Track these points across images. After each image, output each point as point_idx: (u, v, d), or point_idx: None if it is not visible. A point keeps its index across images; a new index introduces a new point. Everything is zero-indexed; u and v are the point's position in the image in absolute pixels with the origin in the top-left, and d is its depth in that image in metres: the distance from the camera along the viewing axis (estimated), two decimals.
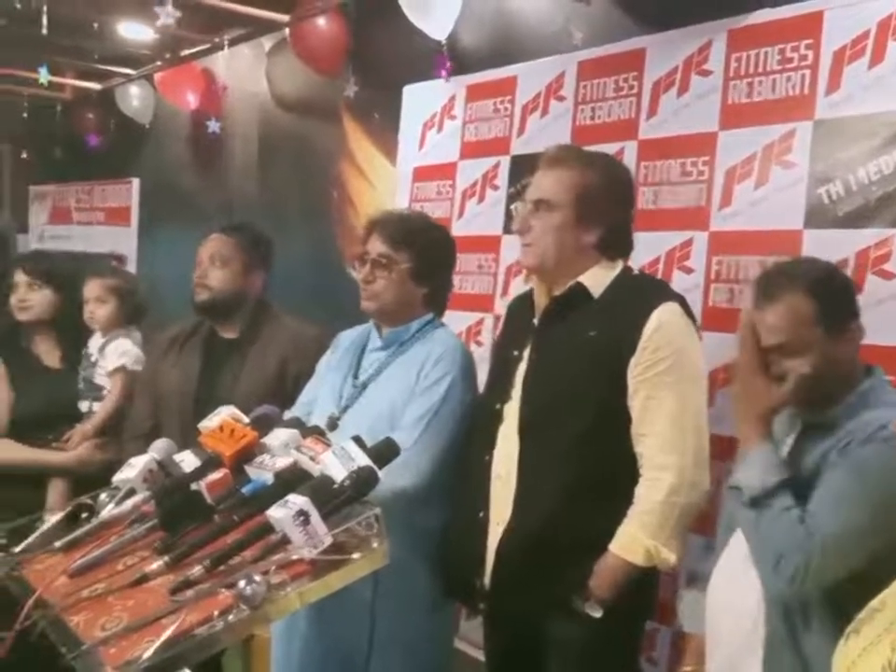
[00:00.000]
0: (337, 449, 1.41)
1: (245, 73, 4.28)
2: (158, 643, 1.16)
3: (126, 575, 1.35)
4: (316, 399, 2.19)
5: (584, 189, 1.90)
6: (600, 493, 1.83)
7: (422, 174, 3.25)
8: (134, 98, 4.88)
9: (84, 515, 1.55)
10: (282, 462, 1.45)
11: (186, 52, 4.44)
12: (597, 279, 1.91)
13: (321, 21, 3.55)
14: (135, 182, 5.09)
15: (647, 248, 2.32)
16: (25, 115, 5.31)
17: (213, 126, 4.42)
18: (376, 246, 2.11)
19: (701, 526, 1.94)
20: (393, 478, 1.65)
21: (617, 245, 1.95)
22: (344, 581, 1.31)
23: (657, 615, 2.13)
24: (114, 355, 2.77)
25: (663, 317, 1.83)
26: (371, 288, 2.10)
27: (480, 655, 2.22)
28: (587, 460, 1.84)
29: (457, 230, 2.97)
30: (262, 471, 1.47)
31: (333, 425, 2.03)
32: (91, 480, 1.88)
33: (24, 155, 5.85)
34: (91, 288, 2.83)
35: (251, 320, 2.57)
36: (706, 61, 2.39)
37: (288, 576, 1.28)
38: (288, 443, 1.51)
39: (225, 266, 2.53)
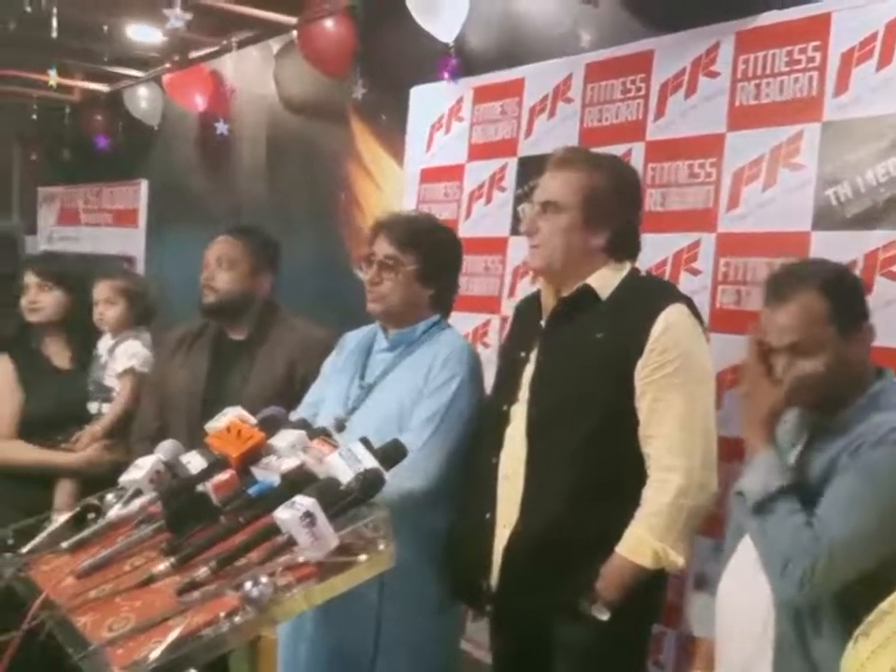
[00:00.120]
0: (344, 451, 1.41)
1: (254, 75, 4.29)
2: (165, 644, 1.16)
3: (133, 576, 1.35)
4: (322, 399, 2.19)
5: (592, 191, 1.89)
6: (607, 495, 1.83)
7: (429, 175, 3.25)
8: (143, 100, 4.90)
9: (91, 516, 1.55)
10: (289, 463, 1.45)
11: (194, 54, 4.45)
12: (605, 281, 1.91)
13: (329, 24, 3.56)
14: (143, 184, 5.11)
15: (654, 250, 2.32)
16: (34, 117, 5.34)
17: (221, 128, 4.43)
18: (383, 248, 2.11)
19: (709, 528, 1.93)
20: (400, 480, 1.65)
21: (624, 247, 1.95)
22: (351, 583, 1.31)
23: (664, 618, 2.12)
24: (123, 356, 2.78)
25: (670, 319, 1.82)
26: (378, 290, 2.10)
27: (486, 657, 2.21)
28: (594, 462, 1.83)
29: (464, 231, 2.97)
30: (269, 473, 1.47)
31: (340, 426, 2.03)
32: (99, 480, 1.89)
33: (33, 157, 5.87)
34: (101, 290, 2.84)
35: (259, 322, 2.57)
36: (713, 62, 2.38)
37: (295, 578, 1.28)
38: (295, 445, 1.50)
39: (232, 268, 2.53)
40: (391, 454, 1.45)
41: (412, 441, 1.76)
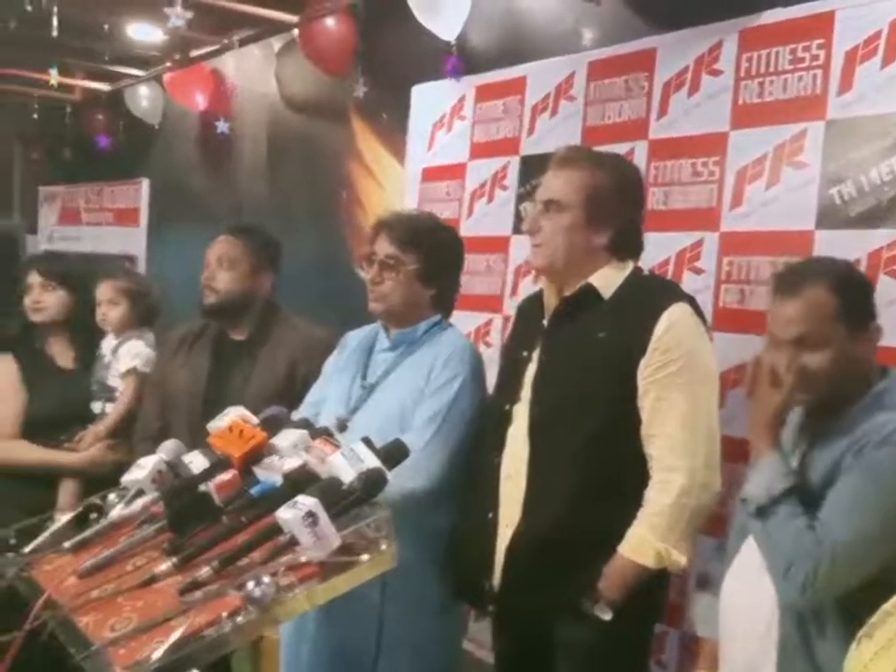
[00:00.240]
0: (346, 450, 1.40)
1: (255, 73, 4.29)
2: (167, 644, 1.16)
3: (135, 576, 1.35)
4: (324, 399, 2.19)
5: (594, 190, 1.89)
6: (609, 494, 1.82)
7: (431, 174, 3.25)
8: (144, 99, 4.89)
9: (93, 516, 1.55)
10: (291, 463, 1.45)
11: (195, 53, 4.45)
12: (607, 280, 1.90)
13: (330, 22, 3.55)
14: (144, 183, 5.11)
15: (657, 249, 2.31)
16: (35, 116, 5.34)
17: (222, 127, 4.43)
18: (384, 247, 2.10)
19: (712, 528, 1.93)
20: (403, 480, 1.65)
21: (627, 246, 1.94)
22: (353, 582, 1.31)
23: (667, 618, 2.12)
24: (126, 356, 2.79)
25: (673, 318, 1.82)
26: (379, 289, 2.10)
27: (488, 657, 2.21)
28: (597, 461, 1.83)
29: (466, 230, 2.96)
30: (271, 472, 1.47)
31: (342, 426, 2.03)
32: (102, 480, 1.88)
33: (34, 156, 5.87)
34: (104, 290, 2.84)
35: (260, 322, 2.57)
36: (716, 60, 2.38)
37: (297, 577, 1.27)
38: (297, 445, 1.50)
39: (232, 268, 2.53)
40: (393, 453, 1.45)
41: (414, 441, 1.75)
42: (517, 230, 2.86)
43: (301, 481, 1.40)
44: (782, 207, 2.21)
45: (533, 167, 2.75)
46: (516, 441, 1.92)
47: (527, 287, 2.69)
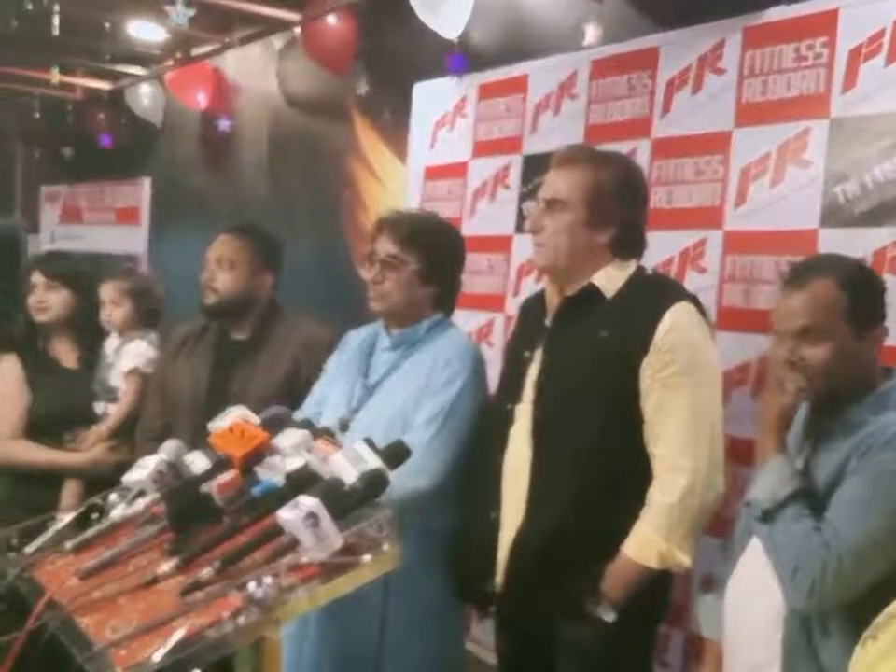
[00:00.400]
0: (348, 451, 1.40)
1: (256, 72, 4.28)
2: (168, 645, 1.15)
3: (136, 576, 1.34)
4: (326, 399, 2.18)
5: (596, 189, 1.88)
6: (613, 494, 1.82)
7: (433, 172, 3.24)
8: (145, 98, 4.89)
9: (94, 516, 1.55)
10: (293, 463, 1.44)
11: (196, 52, 4.44)
12: (610, 279, 1.90)
13: (332, 20, 3.54)
14: (146, 181, 5.10)
15: (660, 248, 2.30)
16: (37, 115, 5.34)
17: (223, 125, 4.42)
18: (385, 247, 2.10)
19: (716, 528, 1.92)
20: (404, 480, 1.64)
21: (630, 245, 1.94)
22: (355, 583, 1.30)
23: (670, 618, 2.11)
24: (128, 357, 2.79)
25: (676, 317, 1.81)
26: (380, 289, 2.10)
27: (491, 657, 2.20)
28: (599, 461, 1.82)
29: (468, 229, 2.95)
30: (273, 473, 1.46)
31: (344, 426, 2.02)
32: (105, 481, 1.88)
33: (36, 155, 5.87)
34: (107, 291, 2.84)
35: (261, 322, 2.56)
36: (720, 59, 2.37)
37: (299, 578, 1.27)
38: (299, 445, 1.50)
39: (232, 269, 2.52)
40: (395, 453, 1.45)
41: (415, 441, 1.75)
42: (519, 229, 2.85)
43: (302, 481, 1.39)
44: (786, 206, 2.20)
45: (535, 166, 2.74)
46: (518, 440, 1.91)
47: (530, 287, 2.68)
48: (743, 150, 2.29)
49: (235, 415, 1.63)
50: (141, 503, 1.51)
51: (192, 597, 1.24)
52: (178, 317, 2.89)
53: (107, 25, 4.06)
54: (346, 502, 1.32)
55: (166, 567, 1.32)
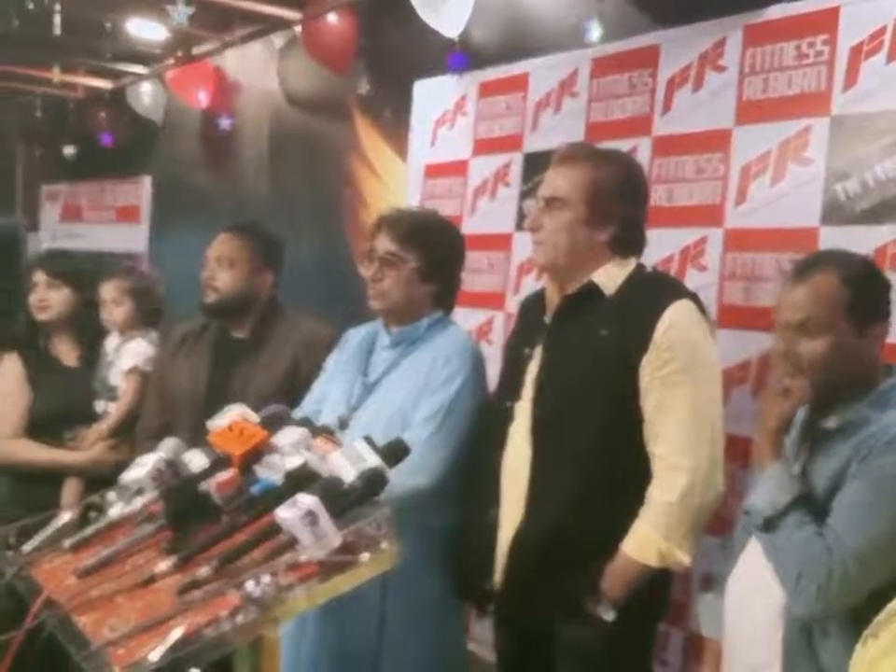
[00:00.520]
0: (347, 449, 1.40)
1: (257, 70, 4.28)
2: (166, 644, 1.15)
3: (134, 575, 1.34)
4: (325, 397, 2.18)
5: (596, 187, 1.88)
6: (612, 493, 1.81)
7: (433, 170, 3.24)
8: (146, 96, 4.89)
9: (93, 514, 1.55)
10: (292, 462, 1.44)
11: (197, 50, 4.44)
12: (610, 277, 1.89)
13: (332, 19, 3.54)
14: (147, 180, 5.10)
15: (661, 246, 2.30)
16: (38, 114, 5.34)
17: (224, 124, 4.42)
18: (384, 244, 2.09)
19: (716, 527, 1.91)
20: (403, 478, 1.64)
21: (630, 243, 1.93)
22: (353, 582, 1.30)
23: (670, 617, 2.10)
24: (128, 355, 2.79)
25: (676, 315, 1.81)
26: (379, 287, 2.09)
27: (490, 656, 2.20)
28: (599, 460, 1.82)
29: (469, 227, 2.95)
30: (272, 471, 1.46)
31: (344, 424, 2.02)
32: (105, 479, 1.88)
33: (37, 153, 5.87)
34: (107, 290, 2.84)
35: (261, 320, 2.56)
36: (721, 56, 2.36)
37: (297, 577, 1.27)
38: (298, 443, 1.50)
39: (232, 267, 2.52)
40: (394, 452, 1.45)
41: (415, 439, 1.75)
42: (520, 227, 2.84)
43: (301, 479, 1.39)
44: (787, 204, 2.20)
45: (536, 164, 2.73)
46: (518, 438, 1.91)
47: (530, 285, 2.68)
48: (744, 148, 2.29)
49: (234, 414, 1.63)
50: (139, 501, 1.51)
51: (190, 596, 1.24)
52: (179, 316, 2.89)
53: (108, 24, 4.07)
54: (345, 500, 1.32)
55: (164, 565, 1.32)
